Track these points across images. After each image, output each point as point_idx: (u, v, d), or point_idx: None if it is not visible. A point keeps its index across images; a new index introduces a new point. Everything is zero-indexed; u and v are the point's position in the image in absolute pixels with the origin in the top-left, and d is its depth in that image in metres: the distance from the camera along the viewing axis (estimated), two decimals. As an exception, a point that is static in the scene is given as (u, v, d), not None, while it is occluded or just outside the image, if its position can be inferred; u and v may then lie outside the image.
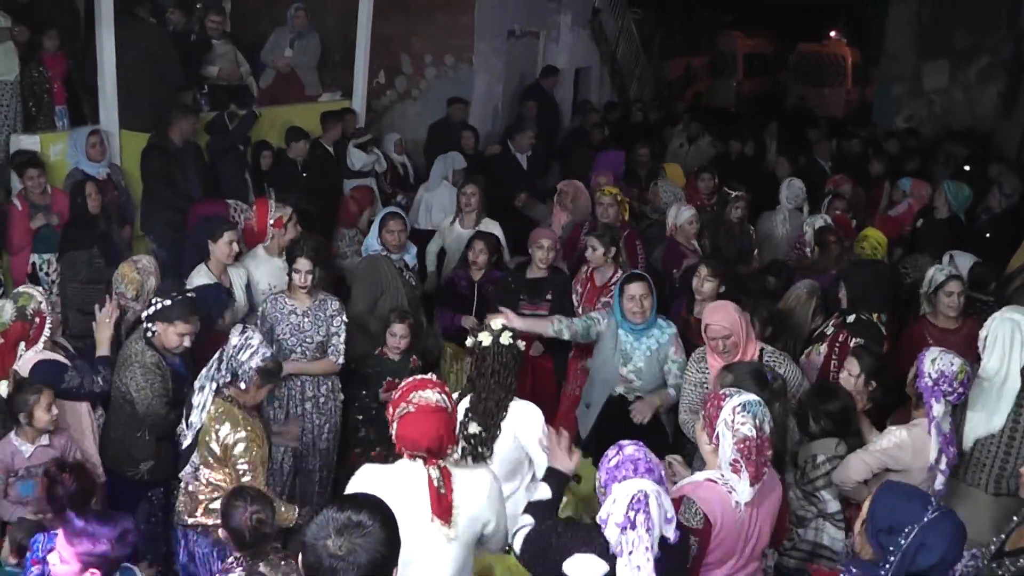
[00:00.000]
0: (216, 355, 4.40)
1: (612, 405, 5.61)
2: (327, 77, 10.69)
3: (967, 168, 10.54)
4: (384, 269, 6.28)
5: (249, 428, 4.32)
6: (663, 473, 3.22)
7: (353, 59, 10.17)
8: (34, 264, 6.95)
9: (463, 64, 11.37)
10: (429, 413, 3.34)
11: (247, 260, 6.15)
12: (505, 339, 4.35)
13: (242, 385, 4.35)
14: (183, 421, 4.45)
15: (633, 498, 3.04)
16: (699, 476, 3.61)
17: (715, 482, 3.52)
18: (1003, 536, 3.75)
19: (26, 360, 4.73)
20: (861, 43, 23.89)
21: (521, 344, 4.43)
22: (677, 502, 3.47)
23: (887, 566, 2.91)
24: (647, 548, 3.01)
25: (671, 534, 3.11)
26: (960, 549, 2.98)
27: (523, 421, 4.30)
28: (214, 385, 4.36)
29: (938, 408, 4.33)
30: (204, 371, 4.40)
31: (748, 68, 24.98)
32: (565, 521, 3.57)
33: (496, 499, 3.46)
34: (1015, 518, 3.79)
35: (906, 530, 2.90)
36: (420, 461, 3.35)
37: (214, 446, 4.30)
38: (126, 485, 4.90)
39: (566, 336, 5.68)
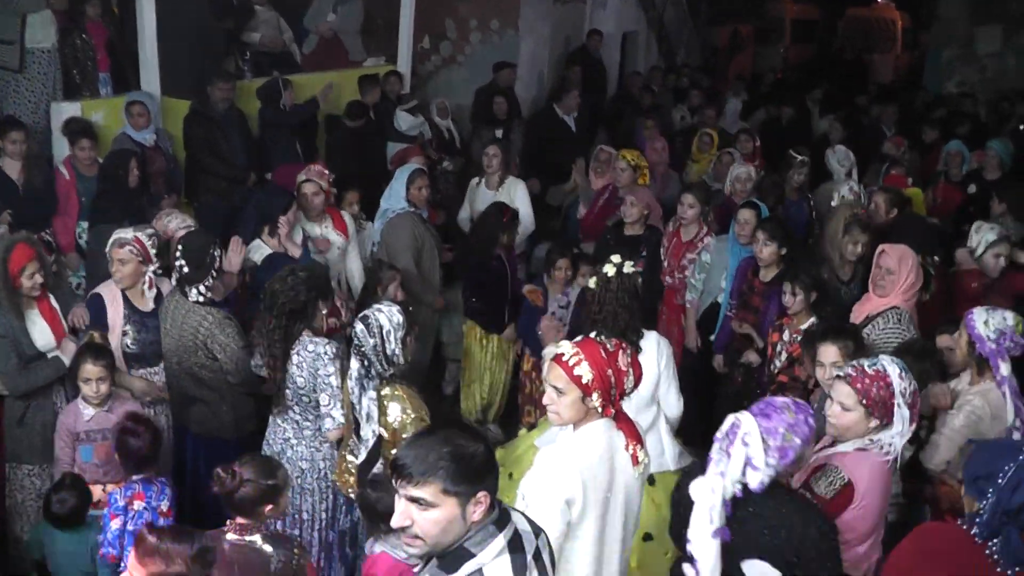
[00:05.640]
0: (357, 363, 4.06)
1: (708, 316, 6.42)
2: (371, 43, 10.55)
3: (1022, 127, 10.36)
4: (418, 224, 6.45)
5: (415, 404, 4.16)
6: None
7: (397, 24, 10.06)
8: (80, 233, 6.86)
9: (509, 29, 11.18)
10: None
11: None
12: (628, 267, 4.48)
13: (398, 362, 4.14)
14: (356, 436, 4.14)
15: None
16: (847, 446, 3.60)
17: (865, 449, 3.56)
18: None
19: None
20: (911, 7, 23.32)
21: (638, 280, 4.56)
22: (818, 468, 3.55)
23: (984, 506, 2.99)
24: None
25: None
26: None
27: (664, 354, 4.55)
28: (375, 384, 4.09)
29: (1005, 367, 4.33)
30: (352, 380, 4.07)
31: (795, 34, 24.49)
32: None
33: None
34: None
35: (1005, 469, 2.96)
36: None
37: (383, 432, 4.11)
38: (230, 450, 4.52)
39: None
